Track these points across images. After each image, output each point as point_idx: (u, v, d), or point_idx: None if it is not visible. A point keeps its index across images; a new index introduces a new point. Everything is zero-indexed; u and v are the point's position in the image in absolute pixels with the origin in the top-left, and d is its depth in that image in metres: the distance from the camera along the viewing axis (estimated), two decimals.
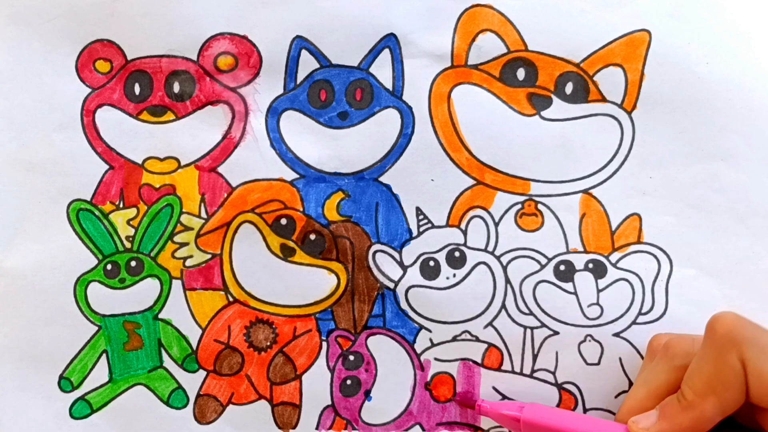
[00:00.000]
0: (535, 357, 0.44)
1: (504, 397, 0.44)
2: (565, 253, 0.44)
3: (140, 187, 0.44)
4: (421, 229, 0.44)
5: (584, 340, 0.44)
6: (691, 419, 0.35)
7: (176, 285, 0.44)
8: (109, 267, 0.44)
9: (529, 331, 0.44)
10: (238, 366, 0.44)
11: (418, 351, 0.44)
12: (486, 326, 0.44)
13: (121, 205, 0.44)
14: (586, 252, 0.44)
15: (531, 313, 0.44)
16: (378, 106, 0.44)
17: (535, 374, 0.44)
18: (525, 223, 0.44)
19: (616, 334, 0.44)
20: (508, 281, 0.44)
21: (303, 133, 0.44)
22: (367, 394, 0.44)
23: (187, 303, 0.44)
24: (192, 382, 0.44)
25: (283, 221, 0.44)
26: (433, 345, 0.44)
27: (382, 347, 0.44)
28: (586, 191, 0.44)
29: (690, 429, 0.36)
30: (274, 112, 0.44)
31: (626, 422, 0.38)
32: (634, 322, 0.44)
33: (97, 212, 0.44)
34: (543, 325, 0.44)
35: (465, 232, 0.44)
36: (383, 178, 0.44)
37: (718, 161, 0.43)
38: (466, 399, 0.44)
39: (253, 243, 0.44)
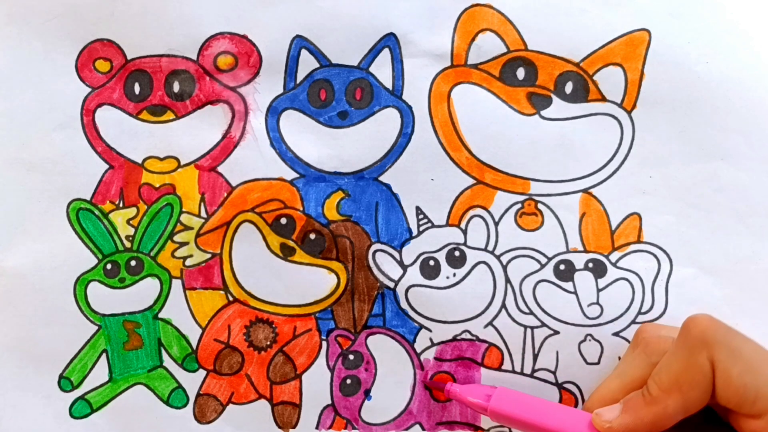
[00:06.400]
0: (535, 357, 0.44)
1: None
2: (565, 253, 0.44)
3: (140, 186, 0.44)
4: (421, 229, 0.44)
5: (584, 340, 0.44)
6: (654, 414, 0.36)
7: (176, 284, 0.44)
8: (109, 266, 0.44)
9: (529, 330, 0.44)
10: (238, 365, 0.44)
11: (418, 350, 0.44)
12: (486, 326, 0.44)
13: (121, 205, 0.44)
14: (586, 251, 0.44)
15: (531, 313, 0.44)
16: (378, 105, 0.44)
17: (535, 374, 0.44)
18: (525, 223, 0.44)
19: (616, 334, 0.44)
20: (508, 281, 0.44)
21: (303, 133, 0.44)
22: (367, 394, 0.44)
23: (187, 302, 0.44)
24: (192, 381, 0.44)
25: (283, 221, 0.44)
26: (433, 344, 0.44)
27: (381, 347, 0.44)
28: (586, 191, 0.44)
29: (651, 424, 0.36)
30: (273, 112, 0.44)
31: (593, 410, 0.38)
32: (633, 322, 0.43)
33: (97, 212, 0.44)
34: (543, 324, 0.44)
35: (465, 232, 0.44)
36: (383, 178, 0.44)
37: (718, 160, 0.43)
38: (435, 384, 0.44)
39: (253, 242, 0.44)
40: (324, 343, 0.44)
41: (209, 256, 0.44)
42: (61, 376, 0.44)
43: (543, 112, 0.44)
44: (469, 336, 0.44)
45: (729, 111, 0.43)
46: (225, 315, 0.44)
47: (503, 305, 0.44)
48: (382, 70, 0.44)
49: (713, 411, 0.39)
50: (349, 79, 0.44)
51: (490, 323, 0.44)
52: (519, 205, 0.44)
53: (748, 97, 0.43)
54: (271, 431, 0.44)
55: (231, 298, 0.44)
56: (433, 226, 0.44)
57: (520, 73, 0.44)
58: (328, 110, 0.44)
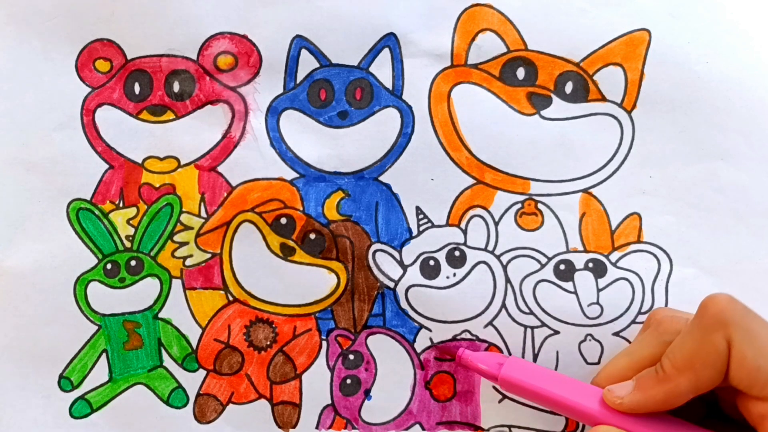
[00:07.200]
0: (535, 356, 0.44)
1: (504, 396, 0.44)
2: (565, 253, 0.44)
3: (140, 186, 0.44)
4: (421, 229, 0.44)
5: (584, 340, 0.44)
6: (665, 392, 0.36)
7: (176, 284, 0.44)
8: (109, 266, 0.44)
9: (529, 330, 0.44)
10: (238, 365, 0.44)
11: (418, 350, 0.44)
12: (486, 326, 0.44)
13: (121, 205, 0.44)
14: (586, 251, 0.44)
15: (531, 313, 0.44)
16: (378, 105, 0.44)
17: None
18: (525, 223, 0.44)
19: (616, 334, 0.44)
20: (508, 280, 0.44)
21: (303, 133, 0.44)
22: (367, 394, 0.44)
23: (187, 302, 0.44)
24: (192, 381, 0.44)
25: (283, 220, 0.44)
26: (433, 344, 0.44)
27: (382, 346, 0.44)
28: (586, 190, 0.44)
29: (662, 402, 0.36)
30: (273, 112, 0.44)
31: (602, 387, 0.38)
32: (633, 322, 0.43)
33: (96, 212, 0.44)
34: (543, 324, 0.44)
35: (465, 232, 0.44)
36: (383, 178, 0.44)
37: (718, 160, 0.43)
38: (447, 349, 0.44)
39: (253, 242, 0.44)
40: (324, 343, 0.44)
41: (209, 256, 0.44)
42: (61, 376, 0.44)
43: (543, 112, 0.44)
44: (469, 336, 0.44)
45: (729, 111, 0.43)
46: (225, 315, 0.44)
47: (503, 305, 0.44)
48: (382, 70, 0.44)
49: (716, 405, 0.39)
50: (349, 79, 0.44)
51: (490, 323, 0.44)
52: (519, 205, 0.44)
53: (748, 97, 0.43)
54: (271, 431, 0.44)
55: (231, 298, 0.44)
56: (433, 226, 0.44)
57: (520, 73, 0.44)
58: (328, 110, 0.44)
